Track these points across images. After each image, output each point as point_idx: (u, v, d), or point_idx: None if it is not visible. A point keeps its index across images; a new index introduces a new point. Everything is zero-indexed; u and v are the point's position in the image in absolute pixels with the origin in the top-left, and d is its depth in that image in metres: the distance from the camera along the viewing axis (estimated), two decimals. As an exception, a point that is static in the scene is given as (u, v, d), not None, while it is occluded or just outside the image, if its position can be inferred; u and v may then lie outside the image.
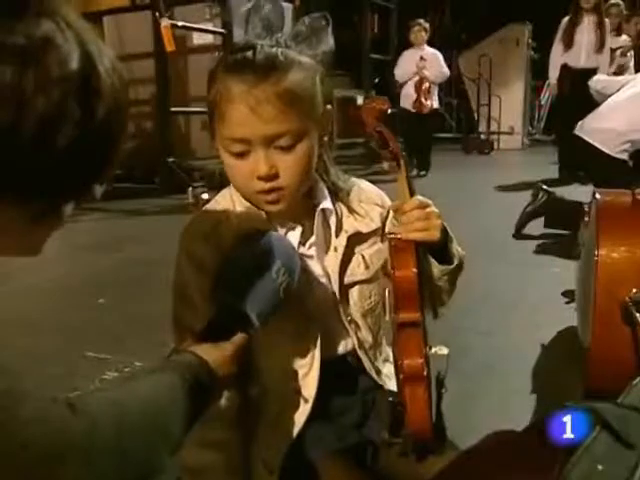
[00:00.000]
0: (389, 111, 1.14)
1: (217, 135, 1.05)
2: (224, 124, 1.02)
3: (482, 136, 11.79)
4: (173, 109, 6.74)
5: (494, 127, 11.87)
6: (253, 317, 0.95)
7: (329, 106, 1.10)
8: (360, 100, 10.21)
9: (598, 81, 4.52)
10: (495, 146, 11.50)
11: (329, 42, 1.09)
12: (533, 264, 3.76)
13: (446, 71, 8.15)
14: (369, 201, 1.20)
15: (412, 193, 1.10)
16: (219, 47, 6.89)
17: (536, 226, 4.25)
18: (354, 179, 1.23)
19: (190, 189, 5.67)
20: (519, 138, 11.98)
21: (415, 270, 1.03)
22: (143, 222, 5.33)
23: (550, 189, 4.23)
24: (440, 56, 8.14)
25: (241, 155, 1.03)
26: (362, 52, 10.53)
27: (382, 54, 10.80)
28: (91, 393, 0.80)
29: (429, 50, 8.13)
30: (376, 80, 11.29)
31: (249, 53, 1.01)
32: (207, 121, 1.09)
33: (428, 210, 1.07)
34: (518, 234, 4.31)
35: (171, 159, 6.61)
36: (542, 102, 13.28)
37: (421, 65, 7.81)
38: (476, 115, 12.21)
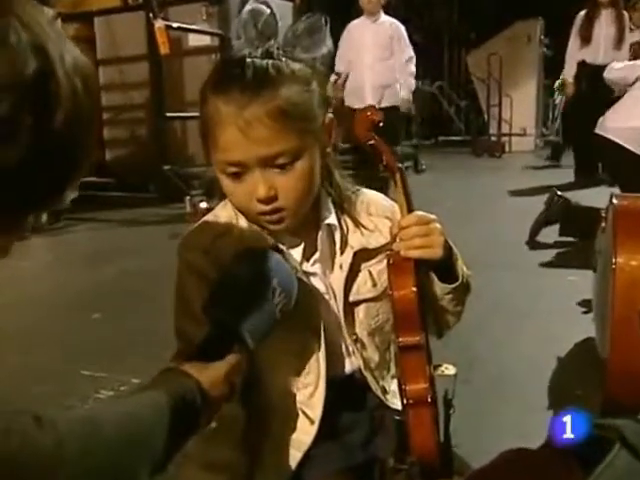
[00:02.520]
0: (381, 123, 1.13)
1: (212, 157, 1.05)
2: (216, 147, 1.01)
3: (493, 138, 11.80)
4: (168, 114, 6.75)
5: (505, 129, 11.87)
6: (247, 337, 0.95)
7: (330, 114, 1.09)
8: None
9: (613, 70, 4.45)
10: (506, 148, 11.51)
11: (327, 44, 1.08)
12: (547, 272, 3.77)
13: (410, 54, 5.95)
14: (379, 214, 1.18)
15: (410, 208, 1.09)
16: (216, 49, 6.91)
17: (551, 233, 4.25)
18: (364, 190, 1.22)
19: (187, 198, 5.67)
20: (532, 140, 11.98)
21: (414, 290, 1.02)
22: (138, 233, 5.34)
23: (565, 195, 4.23)
24: (403, 30, 5.93)
25: (237, 176, 1.03)
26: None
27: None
28: (65, 409, 0.81)
29: (386, 21, 5.91)
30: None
31: (237, 70, 1.00)
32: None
33: (429, 226, 1.06)
34: (532, 241, 4.31)
35: (167, 166, 6.62)
36: (556, 102, 13.29)
37: None
38: (486, 116, 12.23)
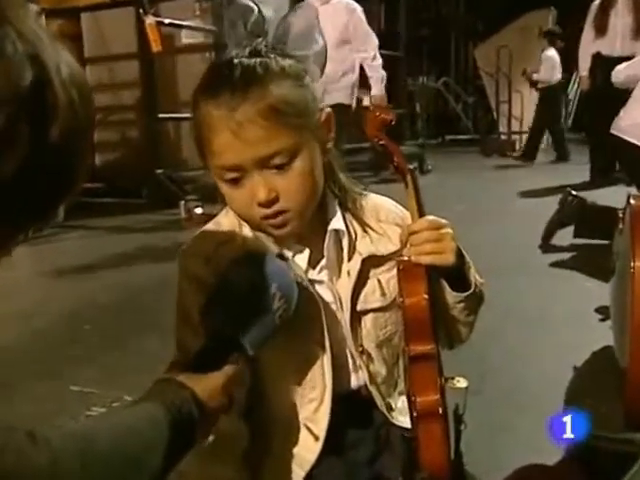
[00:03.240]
0: (393, 122, 1.14)
1: (208, 164, 1.06)
2: (211, 153, 1.02)
3: (502, 137, 11.83)
4: (161, 115, 6.78)
5: (516, 126, 11.89)
6: (246, 345, 0.96)
7: (328, 109, 1.10)
8: (366, 100, 10.23)
9: (619, 72, 4.44)
10: (517, 147, 11.52)
11: (319, 41, 1.10)
12: (562, 277, 3.76)
13: (373, 42, 5.50)
14: (388, 221, 1.19)
15: (422, 211, 1.10)
16: (210, 46, 6.92)
17: (565, 235, 4.26)
18: (373, 195, 1.23)
19: (182, 203, 5.70)
20: (544, 138, 12.00)
21: (426, 297, 1.03)
22: (130, 240, 5.34)
23: (580, 194, 4.23)
24: (360, 13, 5.30)
25: (236, 182, 1.04)
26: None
27: (390, 49, 10.86)
28: (59, 426, 0.81)
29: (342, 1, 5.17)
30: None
31: (225, 72, 1.01)
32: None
33: (441, 231, 1.07)
34: (545, 244, 4.32)
35: (160, 170, 6.64)
36: (570, 97, 13.30)
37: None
38: (495, 114, 12.27)
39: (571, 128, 13.62)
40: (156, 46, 6.31)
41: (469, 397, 1.09)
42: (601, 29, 6.63)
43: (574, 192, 4.23)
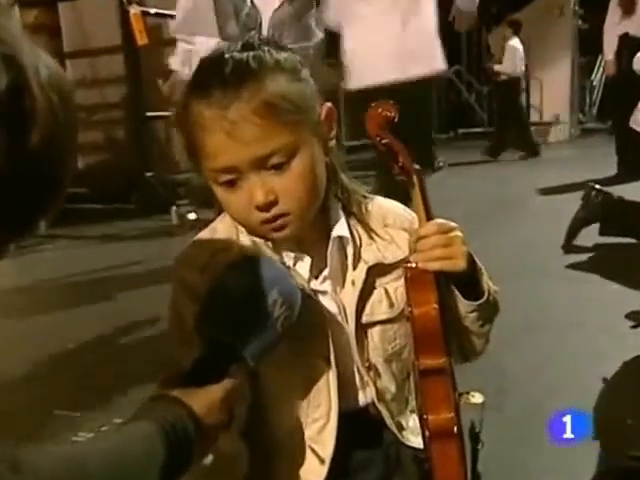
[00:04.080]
0: (396, 119, 1.14)
1: (202, 167, 1.06)
2: (204, 155, 1.04)
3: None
4: (149, 113, 6.78)
5: (535, 117, 11.90)
6: (246, 355, 0.96)
7: (329, 103, 1.11)
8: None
9: None
10: (537, 139, 11.52)
11: (317, 32, 1.10)
12: (587, 281, 3.75)
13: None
14: (396, 225, 1.19)
15: (429, 215, 1.10)
16: (201, 37, 6.92)
17: (590, 234, 4.26)
18: (379, 198, 1.23)
19: (174, 208, 5.72)
20: (566, 128, 12.00)
21: (436, 306, 1.03)
22: (118, 250, 5.36)
23: (605, 189, 4.23)
24: None
25: (231, 184, 1.04)
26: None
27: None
28: (47, 450, 0.81)
29: None
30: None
31: (215, 68, 1.03)
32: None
33: (450, 235, 1.07)
34: (568, 244, 4.31)
35: (149, 173, 6.65)
36: (594, 83, 13.30)
37: None
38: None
39: (596, 117, 13.62)
40: (141, 38, 6.30)
41: (486, 413, 1.09)
42: (628, 8, 6.61)
43: (598, 186, 4.23)
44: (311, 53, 1.00)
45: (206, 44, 4.21)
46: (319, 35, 1.00)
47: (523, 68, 10.13)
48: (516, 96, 10.21)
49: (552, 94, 11.74)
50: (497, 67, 10.19)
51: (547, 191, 6.56)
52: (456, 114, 14.51)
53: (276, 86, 1.01)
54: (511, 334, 2.70)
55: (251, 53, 1.03)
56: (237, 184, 1.03)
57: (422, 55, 2.94)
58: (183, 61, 4.14)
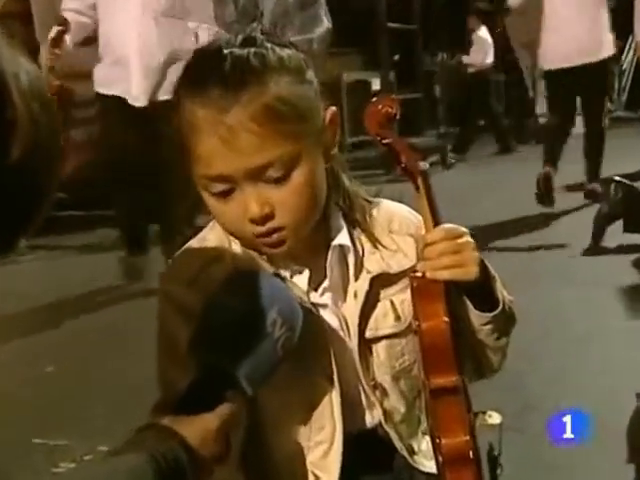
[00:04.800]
0: (398, 116, 1.15)
1: (191, 171, 1.06)
2: (195, 160, 1.03)
3: (541, 120, 11.77)
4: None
5: (556, 106, 11.85)
6: (243, 381, 0.96)
7: (333, 107, 1.11)
8: (377, 84, 10.28)
9: None
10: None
11: (325, 21, 1.09)
12: (614, 284, 3.72)
13: None
14: (402, 232, 1.19)
15: (437, 219, 1.10)
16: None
17: (613, 234, 4.24)
18: (384, 201, 1.23)
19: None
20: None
21: (446, 319, 1.04)
22: (100, 262, 5.33)
23: (628, 182, 4.21)
24: None
25: (224, 195, 1.04)
26: (377, 21, 10.56)
27: (403, 22, 10.87)
28: None
29: None
30: (396, 57, 11.35)
31: (213, 65, 1.01)
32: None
33: (460, 241, 1.07)
34: (596, 246, 4.28)
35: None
36: (624, 67, 13.26)
37: None
38: (532, 92, 12.21)
39: (625, 105, 13.56)
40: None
41: (505, 434, 1.10)
42: None
43: (618, 178, 4.21)
44: (315, 47, 0.99)
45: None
46: (325, 24, 0.99)
47: (492, 59, 10.31)
48: (486, 88, 10.37)
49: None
50: (465, 59, 10.37)
51: (572, 188, 6.51)
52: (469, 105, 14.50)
53: (279, 90, 1.01)
54: (530, 346, 2.69)
55: (252, 50, 1.02)
56: (230, 194, 1.03)
57: None
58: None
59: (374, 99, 1.17)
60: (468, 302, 1.11)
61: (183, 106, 1.03)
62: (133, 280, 4.05)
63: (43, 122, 0.65)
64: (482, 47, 10.08)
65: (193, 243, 1.17)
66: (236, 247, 1.13)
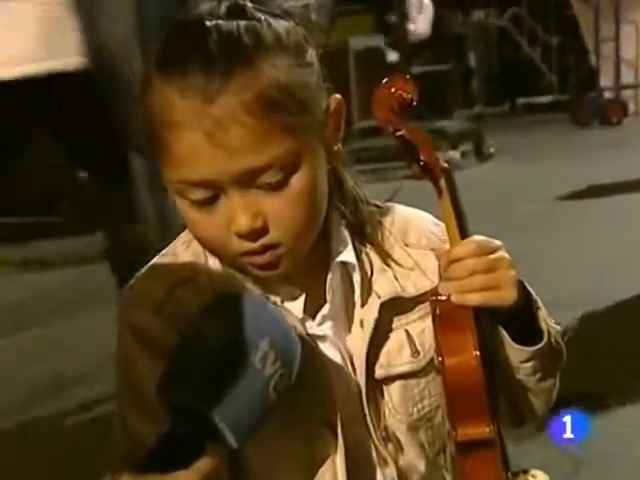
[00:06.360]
0: (414, 101, 1.13)
1: (163, 172, 1.06)
2: (169, 159, 1.02)
3: (606, 94, 11.76)
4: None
5: (628, 78, 11.79)
6: (225, 430, 0.95)
7: (338, 95, 1.12)
8: (393, 56, 10.25)
9: None
10: (631, 110, 11.47)
11: None
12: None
13: None
14: (421, 245, 1.21)
15: (464, 230, 1.12)
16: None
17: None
18: (398, 206, 1.25)
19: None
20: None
21: (477, 354, 1.05)
22: (43, 281, 5.35)
23: None
24: None
25: (206, 203, 1.03)
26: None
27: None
28: None
29: None
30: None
31: (194, 40, 1.01)
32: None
33: (493, 257, 1.09)
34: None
35: (84, 173, 6.65)
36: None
37: None
38: (594, 59, 12.18)
39: None
40: None
41: None
42: None
43: None
44: (312, 15, 1.00)
45: None
46: None
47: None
48: None
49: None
50: (412, 27, 10.53)
51: (630, 187, 6.49)
52: (513, 78, 14.38)
53: (276, 73, 1.01)
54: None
55: (242, 23, 1.02)
56: (213, 203, 1.03)
57: None
58: None
59: (386, 80, 1.14)
60: (504, 333, 1.12)
61: (154, 92, 1.02)
62: None
63: None
64: (430, 15, 10.64)
65: (160, 259, 1.19)
66: (214, 263, 1.14)
